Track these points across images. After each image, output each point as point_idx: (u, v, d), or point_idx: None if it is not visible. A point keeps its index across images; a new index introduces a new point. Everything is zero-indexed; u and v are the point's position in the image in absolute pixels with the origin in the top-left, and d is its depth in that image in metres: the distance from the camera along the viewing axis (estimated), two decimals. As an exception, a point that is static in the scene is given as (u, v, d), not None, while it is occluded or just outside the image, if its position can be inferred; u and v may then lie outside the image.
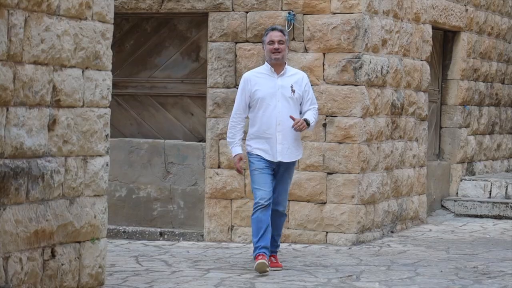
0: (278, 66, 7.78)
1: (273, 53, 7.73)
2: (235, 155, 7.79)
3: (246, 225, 9.78)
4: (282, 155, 7.74)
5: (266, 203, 7.65)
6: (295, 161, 7.92)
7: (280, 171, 7.83)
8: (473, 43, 12.50)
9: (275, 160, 7.74)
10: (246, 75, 7.84)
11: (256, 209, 7.67)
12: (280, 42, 7.76)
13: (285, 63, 7.84)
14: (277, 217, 7.91)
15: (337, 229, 9.55)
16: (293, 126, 7.68)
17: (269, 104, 7.72)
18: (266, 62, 7.83)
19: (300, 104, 7.83)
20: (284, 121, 7.70)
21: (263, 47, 7.90)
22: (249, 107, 7.82)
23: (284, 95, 7.74)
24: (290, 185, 8.04)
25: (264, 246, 7.66)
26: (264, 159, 7.74)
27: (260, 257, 7.60)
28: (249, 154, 7.81)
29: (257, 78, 7.79)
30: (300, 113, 7.85)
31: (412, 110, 10.78)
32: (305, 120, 7.74)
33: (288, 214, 9.52)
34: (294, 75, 7.85)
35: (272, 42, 7.77)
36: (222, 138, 9.89)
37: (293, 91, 7.74)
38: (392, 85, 10.27)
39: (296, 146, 7.83)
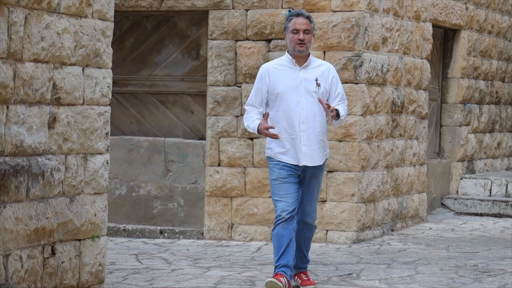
0: (300, 58, 6.79)
1: (298, 44, 6.72)
2: (258, 128, 6.66)
3: (246, 223, 9.79)
4: (308, 159, 6.74)
5: (288, 216, 6.66)
6: (324, 164, 6.89)
7: (306, 178, 6.82)
8: (473, 41, 12.49)
9: (300, 164, 6.73)
10: (264, 67, 6.85)
11: (277, 223, 6.69)
12: (306, 31, 6.75)
13: (309, 54, 6.83)
14: (307, 230, 6.96)
15: (337, 227, 9.55)
16: (328, 110, 6.63)
17: (291, 100, 6.71)
18: (287, 52, 6.83)
19: (327, 101, 6.82)
20: (309, 119, 6.73)
21: (285, 34, 6.86)
22: (267, 104, 6.82)
23: (308, 90, 6.74)
24: (319, 193, 7.05)
25: (285, 264, 6.70)
26: (287, 165, 6.74)
27: (277, 276, 6.64)
28: (270, 159, 6.82)
29: (277, 71, 6.78)
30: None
31: (412, 108, 10.77)
32: (336, 110, 6.73)
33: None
34: (319, 67, 6.85)
35: (296, 31, 6.74)
36: (222, 136, 9.89)
37: (318, 85, 6.75)
38: (392, 83, 10.26)
39: (323, 147, 6.84)
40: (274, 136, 6.62)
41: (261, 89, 6.78)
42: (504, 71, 13.82)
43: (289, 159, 6.73)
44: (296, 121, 6.72)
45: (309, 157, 6.74)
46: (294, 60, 6.79)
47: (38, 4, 5.93)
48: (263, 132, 6.64)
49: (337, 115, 6.73)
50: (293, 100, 6.72)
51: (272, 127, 6.62)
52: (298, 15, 6.81)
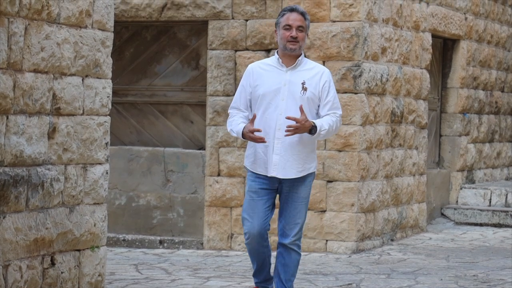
0: (290, 58, 6.03)
1: (289, 41, 5.97)
2: (242, 132, 5.96)
3: (246, 233, 9.78)
4: (278, 169, 5.95)
5: (255, 236, 6.00)
6: (306, 179, 6.04)
7: (283, 191, 6.04)
8: (472, 51, 12.51)
9: (268, 175, 5.98)
10: (250, 66, 6.17)
11: (246, 242, 6.12)
12: (299, 28, 5.99)
13: (301, 54, 6.07)
14: (286, 255, 6.08)
15: (337, 237, 9.55)
16: (286, 129, 5.88)
17: (270, 104, 5.98)
18: (276, 52, 6.10)
19: (318, 108, 6.07)
20: (286, 126, 5.91)
21: (275, 32, 6.10)
22: (251, 108, 6.14)
23: (292, 93, 5.97)
24: (304, 210, 6.09)
25: (263, 280, 6.24)
26: (260, 177, 6.01)
27: None
28: (247, 170, 6.16)
29: (262, 71, 6.07)
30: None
31: (411, 118, 10.78)
32: (313, 124, 5.91)
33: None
34: (310, 70, 6.05)
35: (289, 27, 5.99)
36: (222, 146, 9.89)
37: (304, 89, 5.97)
38: (391, 93, 10.27)
39: (302, 159, 6.00)
40: (261, 140, 5.89)
41: (245, 89, 6.10)
42: (504, 81, 13.83)
43: (258, 169, 6.01)
44: (272, 127, 5.96)
45: (280, 168, 5.94)
46: (280, 60, 6.03)
47: (38, 14, 5.94)
48: (248, 136, 5.91)
49: (310, 130, 5.92)
50: (272, 103, 5.98)
51: (258, 130, 5.88)
52: (292, 10, 6.04)
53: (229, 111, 6.17)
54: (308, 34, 6.15)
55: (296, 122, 5.85)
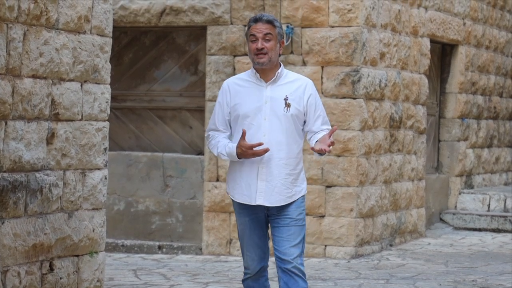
0: (267, 71, 5.36)
1: (256, 55, 5.29)
2: (236, 150, 5.30)
3: (245, 238, 9.77)
4: (264, 197, 5.30)
5: (255, 272, 5.41)
6: (299, 201, 5.39)
7: (272, 216, 5.37)
8: (471, 56, 12.52)
9: (254, 204, 5.32)
10: (225, 83, 5.47)
11: (245, 278, 5.51)
12: (266, 37, 5.29)
13: (280, 65, 5.39)
14: (288, 278, 5.32)
15: (336, 242, 9.54)
16: (321, 149, 5.23)
17: (252, 124, 5.32)
18: (253, 65, 5.40)
19: (304, 124, 5.41)
20: (272, 148, 5.28)
21: (247, 45, 5.42)
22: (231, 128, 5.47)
23: (275, 111, 5.32)
24: (300, 233, 5.35)
25: None
26: (245, 208, 5.37)
27: None
28: (232, 199, 5.49)
29: (239, 88, 5.39)
30: (309, 138, 5.45)
31: (410, 123, 10.79)
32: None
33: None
34: (292, 83, 5.39)
35: (254, 39, 5.31)
36: (220, 151, 9.88)
37: (287, 105, 5.31)
38: (390, 98, 10.28)
39: (290, 182, 5.34)
40: (265, 151, 5.26)
41: (222, 109, 5.42)
42: (502, 86, 13.84)
43: (242, 198, 5.35)
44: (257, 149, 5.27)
45: (267, 195, 5.28)
46: (258, 75, 5.35)
47: (36, 20, 5.95)
48: (249, 153, 5.25)
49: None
50: (254, 124, 5.32)
51: (259, 144, 5.24)
52: (256, 20, 5.33)
53: (206, 133, 5.52)
54: (283, 41, 5.36)
55: (328, 146, 5.20)
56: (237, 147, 5.28)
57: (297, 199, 5.36)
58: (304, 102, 5.37)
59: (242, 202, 5.36)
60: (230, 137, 5.44)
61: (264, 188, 5.31)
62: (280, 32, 5.34)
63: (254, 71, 5.38)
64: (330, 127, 5.43)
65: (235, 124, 5.41)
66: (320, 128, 5.39)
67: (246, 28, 5.42)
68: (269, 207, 5.32)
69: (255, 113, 5.33)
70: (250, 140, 5.27)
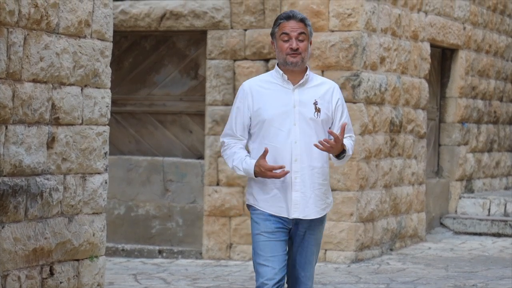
0: (295, 73, 5.02)
1: (289, 54, 4.96)
2: (254, 169, 4.92)
3: (245, 242, 9.77)
4: (301, 210, 4.96)
5: (272, 285, 4.92)
6: (324, 217, 5.11)
7: (299, 233, 5.02)
8: (471, 61, 12.53)
9: (290, 217, 4.96)
10: (247, 84, 5.06)
11: None
12: (300, 37, 4.98)
13: (307, 68, 5.06)
14: None
15: (336, 246, 9.54)
16: (320, 141, 4.92)
17: (280, 130, 4.95)
18: (276, 66, 5.06)
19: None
20: (303, 156, 4.95)
21: (272, 43, 5.08)
22: (250, 134, 5.07)
23: (304, 116, 4.97)
24: (317, 255, 5.15)
25: None
26: (274, 216, 4.97)
27: None
28: (251, 209, 5.06)
29: (264, 90, 5.01)
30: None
31: (410, 127, 10.79)
32: (344, 148, 5.00)
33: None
34: (319, 86, 5.06)
35: (287, 37, 4.98)
36: (220, 155, 9.89)
37: (317, 110, 4.99)
38: (390, 102, 10.28)
39: (323, 193, 5.05)
40: (284, 173, 4.89)
41: (242, 113, 5.02)
42: (502, 91, 13.85)
43: (275, 210, 4.96)
44: (287, 158, 4.95)
45: (302, 208, 4.97)
46: (286, 76, 5.01)
47: (37, 24, 5.95)
48: (267, 175, 4.88)
49: (341, 152, 4.99)
50: (283, 130, 4.96)
51: (282, 167, 4.88)
52: (288, 17, 5.00)
53: (222, 139, 5.09)
54: (311, 42, 5.08)
55: (335, 140, 4.89)
56: (255, 165, 4.89)
57: (325, 214, 5.10)
58: (333, 107, 5.07)
59: (277, 215, 4.93)
60: (249, 144, 5.06)
61: (299, 199, 4.94)
62: (311, 32, 5.05)
63: (281, 72, 5.00)
64: (353, 135, 5.19)
65: (259, 130, 5.00)
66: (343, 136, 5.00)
67: (274, 25, 5.02)
68: (300, 221, 4.95)
69: (283, 118, 4.96)
70: (279, 147, 4.93)
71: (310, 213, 4.98)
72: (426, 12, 11.05)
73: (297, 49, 4.95)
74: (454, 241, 11.24)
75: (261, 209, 4.96)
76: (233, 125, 5.03)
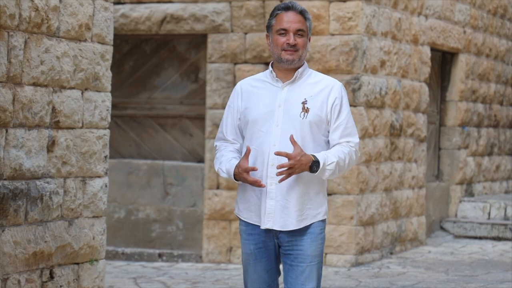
0: (288, 70, 4.53)
1: (285, 50, 4.48)
2: (234, 172, 4.49)
3: (245, 246, 9.76)
4: (273, 219, 4.43)
5: None
6: (312, 228, 4.49)
7: (284, 246, 4.50)
8: (471, 64, 12.53)
9: (262, 227, 4.47)
10: (238, 84, 4.67)
11: None
12: (299, 32, 4.49)
13: (304, 64, 4.56)
14: None
15: (336, 250, 9.53)
16: (277, 171, 4.38)
17: (261, 131, 4.49)
18: (271, 64, 4.59)
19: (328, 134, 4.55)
20: (282, 160, 4.40)
21: (267, 37, 4.58)
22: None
23: (290, 117, 4.47)
24: (316, 274, 4.48)
25: None
26: (255, 232, 4.51)
27: None
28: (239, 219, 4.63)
29: (253, 89, 4.58)
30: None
31: (411, 131, 10.79)
32: (313, 159, 4.38)
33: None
34: (315, 84, 4.54)
35: (284, 32, 4.48)
36: (221, 159, 9.89)
37: (305, 109, 4.46)
38: (390, 106, 10.28)
39: (305, 203, 4.46)
40: (256, 184, 4.41)
41: (232, 114, 4.62)
42: (502, 94, 13.85)
43: (255, 219, 4.50)
44: (264, 162, 4.45)
45: (276, 217, 4.42)
46: (274, 74, 4.53)
47: (37, 28, 5.95)
48: (242, 177, 4.43)
49: (311, 167, 4.37)
50: (264, 131, 4.47)
51: (254, 169, 4.41)
52: (287, 8, 4.49)
53: (215, 143, 4.70)
54: (310, 38, 4.59)
55: (288, 159, 4.31)
56: (235, 166, 4.45)
57: (313, 225, 4.47)
58: (328, 108, 4.49)
59: (249, 222, 4.50)
60: (241, 148, 4.62)
61: (272, 208, 4.42)
62: (310, 27, 4.53)
63: (271, 69, 4.54)
64: (354, 140, 4.51)
65: (245, 132, 4.57)
66: (337, 141, 4.48)
67: (271, 16, 4.54)
68: (279, 233, 4.44)
69: (266, 118, 4.47)
70: (259, 150, 4.45)
71: (285, 223, 4.42)
72: (426, 16, 11.06)
73: (295, 45, 4.46)
74: (454, 245, 11.24)
75: (243, 219, 4.54)
76: (224, 128, 4.65)
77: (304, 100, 4.47)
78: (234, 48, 9.89)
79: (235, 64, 9.90)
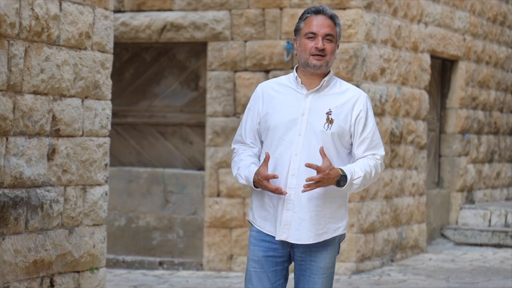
0: (313, 77, 4.39)
1: (313, 55, 4.34)
2: (254, 179, 4.33)
3: (246, 254, 9.76)
4: (289, 231, 4.31)
5: None
6: (329, 241, 4.41)
7: (296, 259, 4.40)
8: (471, 71, 12.54)
9: (277, 238, 4.34)
10: (259, 87, 4.49)
11: None
12: (327, 37, 4.35)
13: (330, 72, 4.41)
14: None
15: (336, 258, 9.52)
16: (305, 183, 4.24)
17: (282, 140, 4.35)
18: (295, 68, 4.45)
19: (352, 146, 4.41)
20: (302, 171, 4.29)
21: (295, 40, 4.44)
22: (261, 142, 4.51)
23: (313, 127, 4.33)
24: (330, 279, 4.47)
25: None
26: (267, 239, 4.38)
27: None
28: (251, 226, 4.50)
29: (275, 93, 4.42)
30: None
31: (411, 138, 10.79)
32: (341, 173, 4.25)
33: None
34: (341, 95, 4.39)
35: (312, 36, 4.35)
36: (221, 167, 9.89)
37: (329, 120, 4.32)
38: (391, 113, 10.29)
39: (325, 217, 4.35)
40: (278, 191, 4.27)
41: (252, 117, 4.46)
42: (502, 102, 13.86)
43: (269, 229, 4.37)
44: (284, 172, 4.32)
45: (293, 229, 4.30)
46: (300, 80, 4.38)
47: (38, 36, 5.96)
48: (263, 184, 4.27)
49: (338, 182, 4.25)
50: (285, 140, 4.34)
51: (274, 177, 4.26)
52: (317, 11, 4.35)
53: (232, 146, 4.59)
54: (339, 45, 4.44)
55: (318, 172, 4.19)
56: (255, 173, 4.29)
57: (330, 240, 4.36)
58: (352, 120, 4.34)
59: (263, 231, 4.35)
60: (259, 153, 4.48)
61: (289, 220, 4.28)
62: (340, 34, 4.39)
63: (296, 74, 4.39)
64: (380, 153, 4.39)
65: (265, 138, 4.42)
66: (362, 155, 4.35)
67: (300, 19, 4.40)
68: (294, 246, 4.31)
69: (289, 126, 4.32)
70: (279, 159, 4.31)
71: (301, 237, 4.29)
72: (426, 23, 11.07)
73: (323, 49, 4.31)
74: (455, 252, 11.23)
75: (257, 227, 4.38)
76: (243, 131, 4.49)
77: (328, 111, 4.33)
78: (234, 56, 9.90)
79: (235, 72, 9.91)
